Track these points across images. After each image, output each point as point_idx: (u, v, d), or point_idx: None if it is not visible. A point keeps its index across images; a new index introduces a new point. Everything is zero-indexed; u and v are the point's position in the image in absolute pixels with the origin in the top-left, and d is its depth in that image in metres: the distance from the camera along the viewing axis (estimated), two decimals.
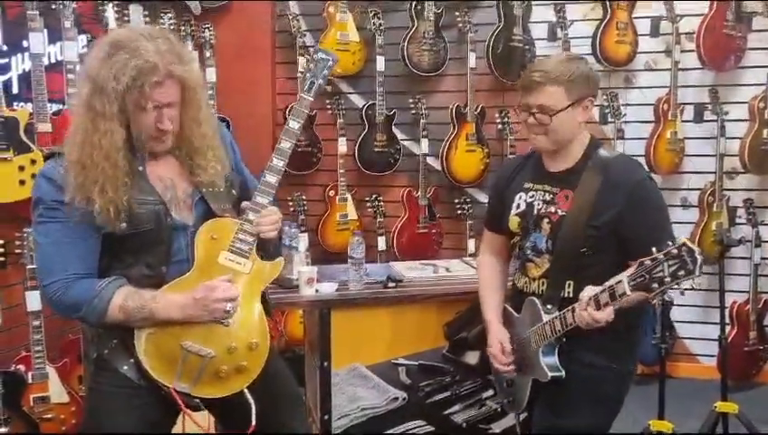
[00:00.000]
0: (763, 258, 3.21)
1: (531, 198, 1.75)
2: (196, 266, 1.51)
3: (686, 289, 1.37)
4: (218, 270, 1.51)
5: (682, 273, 1.34)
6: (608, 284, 1.49)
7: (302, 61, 3.32)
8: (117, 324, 1.47)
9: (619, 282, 1.45)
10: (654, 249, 1.38)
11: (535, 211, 1.72)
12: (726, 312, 2.79)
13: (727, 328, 2.85)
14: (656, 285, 1.38)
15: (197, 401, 1.53)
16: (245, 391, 1.53)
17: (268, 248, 1.61)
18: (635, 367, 1.79)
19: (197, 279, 1.49)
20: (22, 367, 2.48)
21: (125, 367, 1.50)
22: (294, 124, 1.62)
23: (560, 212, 1.68)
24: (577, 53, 2.87)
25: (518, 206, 1.77)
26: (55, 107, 2.63)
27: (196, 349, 1.48)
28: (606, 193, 1.63)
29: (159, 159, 1.54)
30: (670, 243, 1.37)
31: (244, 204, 1.56)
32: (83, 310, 1.44)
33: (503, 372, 1.82)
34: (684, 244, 1.35)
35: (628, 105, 3.34)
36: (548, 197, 1.71)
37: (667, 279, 1.36)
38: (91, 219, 1.43)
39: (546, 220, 1.69)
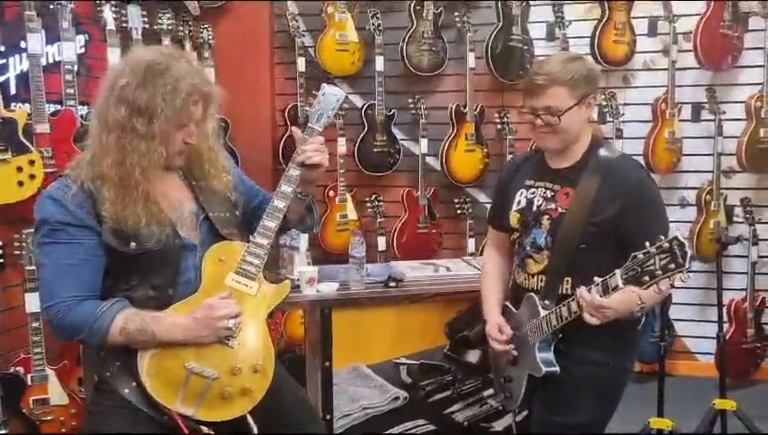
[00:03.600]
0: (760, 256, 3.22)
1: (531, 194, 1.77)
2: (202, 288, 1.50)
3: (679, 287, 1.38)
4: (224, 291, 1.51)
5: (672, 266, 1.35)
6: (602, 278, 1.50)
7: (301, 61, 3.32)
8: (120, 347, 1.46)
9: (613, 275, 1.46)
10: (647, 243, 1.39)
11: (535, 208, 1.75)
12: (724, 310, 2.80)
13: (725, 326, 2.87)
14: (647, 278, 1.39)
15: (199, 425, 1.50)
16: (248, 416, 1.51)
17: (304, 200, 1.66)
18: (632, 365, 1.80)
19: (203, 300, 1.49)
20: (21, 369, 2.47)
21: (126, 390, 1.47)
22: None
23: (560, 209, 1.70)
24: (575, 52, 2.86)
25: (518, 202, 1.79)
26: (53, 107, 2.62)
27: (200, 370, 1.45)
28: (606, 192, 1.64)
29: (165, 177, 1.54)
30: (662, 237, 1.38)
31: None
32: (84, 333, 1.43)
33: (501, 353, 1.82)
34: (675, 238, 1.36)
35: (627, 105, 3.36)
36: (548, 194, 1.73)
37: (658, 272, 1.37)
38: (97, 239, 1.43)
39: (546, 217, 1.72)
